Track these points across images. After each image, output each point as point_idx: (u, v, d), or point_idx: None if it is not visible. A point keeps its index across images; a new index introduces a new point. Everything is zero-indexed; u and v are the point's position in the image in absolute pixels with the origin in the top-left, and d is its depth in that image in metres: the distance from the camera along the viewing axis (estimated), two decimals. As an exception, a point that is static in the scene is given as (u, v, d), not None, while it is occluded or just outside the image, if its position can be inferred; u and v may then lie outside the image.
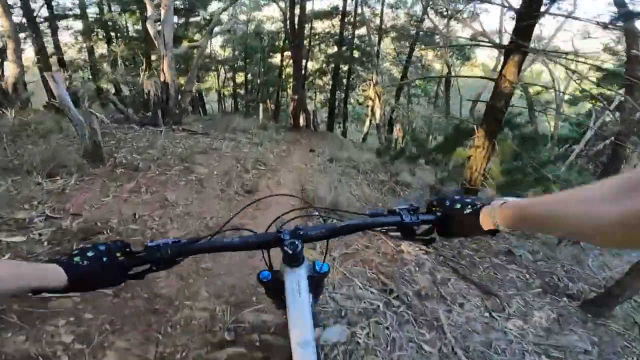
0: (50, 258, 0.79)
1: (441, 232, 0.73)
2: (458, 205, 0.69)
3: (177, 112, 6.81)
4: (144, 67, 8.88)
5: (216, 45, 21.52)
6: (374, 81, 11.93)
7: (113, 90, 11.02)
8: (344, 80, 16.08)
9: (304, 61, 13.38)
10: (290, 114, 12.16)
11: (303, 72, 12.55)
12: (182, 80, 13.45)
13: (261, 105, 11.41)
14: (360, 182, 5.48)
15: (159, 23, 6.48)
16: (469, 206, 0.67)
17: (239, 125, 9.11)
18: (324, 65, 16.68)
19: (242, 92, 20.20)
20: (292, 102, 12.04)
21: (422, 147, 5.15)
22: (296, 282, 0.71)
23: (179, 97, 6.88)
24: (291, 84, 13.09)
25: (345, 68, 15.56)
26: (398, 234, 0.76)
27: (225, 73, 21.06)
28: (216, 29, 14.32)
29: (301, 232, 0.72)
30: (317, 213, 0.92)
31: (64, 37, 14.13)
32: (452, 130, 4.40)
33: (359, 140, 14.64)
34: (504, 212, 0.58)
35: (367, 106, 12.07)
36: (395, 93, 12.90)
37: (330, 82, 16.17)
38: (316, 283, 0.82)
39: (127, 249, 0.67)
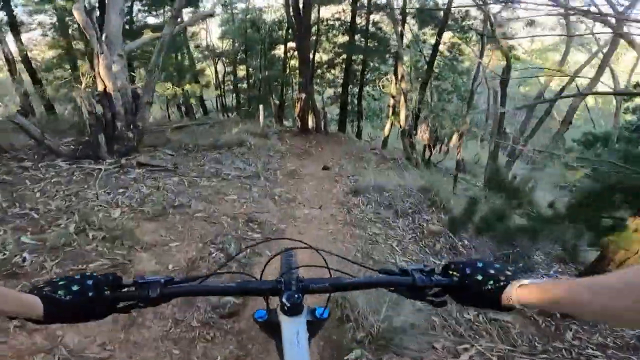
0: (33, 286, 0.63)
1: (455, 297, 0.68)
2: (479, 277, 0.63)
3: (132, 135, 4.88)
4: (83, 73, 6.79)
5: (215, 36, 19.67)
6: (400, 75, 9.90)
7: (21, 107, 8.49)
8: (357, 74, 14.09)
9: (310, 54, 11.43)
10: (297, 115, 10.33)
11: (310, 65, 10.58)
12: (165, 88, 11.00)
13: (261, 106, 9.51)
14: (403, 237, 3.66)
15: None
16: (491, 281, 0.62)
17: (233, 136, 7.31)
18: (334, 56, 14.64)
19: (245, 86, 18.35)
20: (298, 101, 10.18)
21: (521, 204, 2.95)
22: (295, 332, 0.65)
23: (135, 112, 4.90)
24: (297, 79, 11.15)
25: (359, 59, 13.55)
26: (408, 293, 0.69)
27: (225, 67, 19.22)
28: (192, 15, 12.29)
29: (302, 284, 0.68)
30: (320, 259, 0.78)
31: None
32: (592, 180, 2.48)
33: (375, 141, 12.71)
34: (522, 295, 0.58)
35: (389, 106, 10.15)
36: (420, 87, 10.83)
37: (342, 76, 14.17)
38: (314, 329, 0.75)
39: (117, 283, 0.63)
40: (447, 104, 10.86)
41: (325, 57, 14.99)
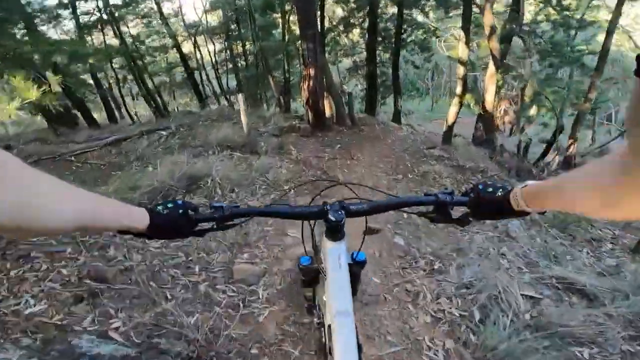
0: (139, 203, 0.79)
1: (475, 214, 0.74)
2: (490, 189, 0.70)
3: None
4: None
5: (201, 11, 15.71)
6: (487, 27, 5.91)
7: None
8: (386, 33, 10.10)
9: (317, 7, 7.60)
10: (305, 103, 6.66)
11: (315, 24, 6.74)
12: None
13: (239, 96, 5.58)
14: None
15: None
16: (500, 189, 0.69)
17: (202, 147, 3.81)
18: (348, 14, 10.59)
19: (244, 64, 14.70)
20: (305, 80, 6.48)
21: None
22: (337, 255, 0.75)
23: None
24: (301, 50, 7.33)
25: (391, 11, 9.53)
26: (434, 215, 0.77)
27: (214, 44, 15.52)
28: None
29: (344, 206, 0.76)
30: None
31: None
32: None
33: (424, 131, 8.84)
34: (526, 193, 0.62)
35: (459, 78, 6.28)
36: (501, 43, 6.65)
37: (363, 40, 10.23)
38: (353, 272, 0.83)
39: (197, 208, 0.73)
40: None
41: (338, 12, 10.98)
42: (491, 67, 6.18)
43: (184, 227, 0.70)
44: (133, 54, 11.05)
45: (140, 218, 0.63)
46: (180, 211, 0.69)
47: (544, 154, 7.56)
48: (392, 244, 2.75)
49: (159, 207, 0.68)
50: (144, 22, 13.44)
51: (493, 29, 6.02)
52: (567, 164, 6.77)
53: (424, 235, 2.94)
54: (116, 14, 10.54)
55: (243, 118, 4.91)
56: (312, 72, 6.19)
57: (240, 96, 5.20)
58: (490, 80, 6.19)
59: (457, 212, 0.76)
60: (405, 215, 3.20)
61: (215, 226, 0.73)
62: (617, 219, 0.58)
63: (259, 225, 2.78)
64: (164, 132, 5.78)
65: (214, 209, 0.73)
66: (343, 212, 0.74)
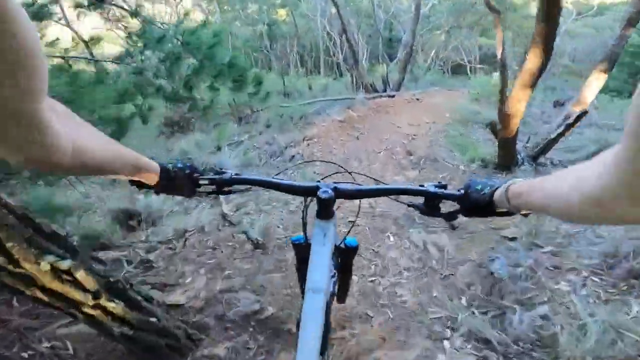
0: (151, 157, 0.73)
1: (463, 210, 0.73)
2: (479, 187, 0.69)
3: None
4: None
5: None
6: None
7: None
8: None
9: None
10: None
11: None
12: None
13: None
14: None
15: None
16: (488, 187, 0.67)
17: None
18: None
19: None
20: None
21: None
22: (323, 232, 0.76)
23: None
24: None
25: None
26: (423, 207, 0.77)
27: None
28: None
29: (336, 187, 0.78)
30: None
31: None
32: None
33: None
34: (510, 191, 0.59)
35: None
36: None
37: None
38: (344, 257, 0.91)
39: (201, 171, 0.79)
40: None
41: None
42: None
43: (187, 187, 0.76)
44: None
45: (152, 171, 0.68)
46: (187, 172, 0.75)
47: None
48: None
49: (170, 164, 0.73)
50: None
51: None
52: None
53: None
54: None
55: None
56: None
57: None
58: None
59: (449, 206, 0.76)
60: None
61: (216, 190, 0.79)
62: (595, 222, 0.50)
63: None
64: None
65: (217, 173, 0.79)
66: (333, 191, 0.76)
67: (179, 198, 2.60)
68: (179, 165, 0.75)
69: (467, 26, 14.70)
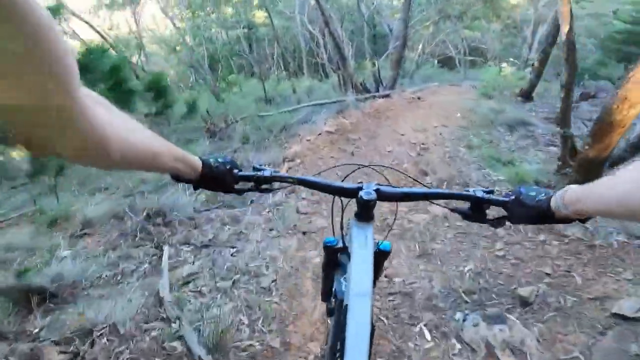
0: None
1: (512, 217, 0.70)
2: (533, 193, 0.67)
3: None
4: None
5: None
6: None
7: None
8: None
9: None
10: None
11: None
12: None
13: None
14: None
15: None
16: (542, 194, 0.66)
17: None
18: None
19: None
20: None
21: None
22: (364, 235, 0.73)
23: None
24: None
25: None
26: (468, 212, 0.74)
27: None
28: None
29: (379, 188, 0.75)
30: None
31: None
32: None
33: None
34: (567, 197, 0.58)
35: None
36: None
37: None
38: (377, 262, 0.83)
39: (241, 168, 0.78)
40: None
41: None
42: None
43: (227, 183, 0.75)
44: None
45: (194, 165, 0.68)
46: (228, 166, 0.74)
47: None
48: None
49: (212, 159, 0.73)
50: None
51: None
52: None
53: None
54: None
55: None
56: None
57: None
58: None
59: (494, 212, 0.73)
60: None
61: (254, 187, 0.78)
62: None
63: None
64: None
65: (256, 170, 0.78)
66: (375, 193, 0.74)
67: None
68: (220, 159, 0.74)
69: (455, 16, 13.75)
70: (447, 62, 17.99)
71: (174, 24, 15.20)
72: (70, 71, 0.31)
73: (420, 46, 16.26)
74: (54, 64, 0.29)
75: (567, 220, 0.62)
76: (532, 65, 5.99)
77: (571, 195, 0.57)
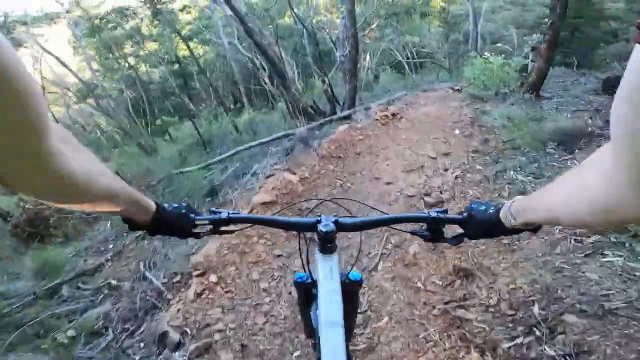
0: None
1: (468, 233, 0.73)
2: (483, 207, 0.70)
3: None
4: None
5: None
6: None
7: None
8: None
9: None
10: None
11: None
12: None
13: None
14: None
15: None
16: (492, 207, 0.69)
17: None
18: None
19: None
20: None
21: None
22: (329, 267, 0.74)
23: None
24: None
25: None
26: (427, 234, 0.76)
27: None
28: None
29: (337, 220, 0.76)
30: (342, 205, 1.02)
31: None
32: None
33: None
34: (514, 208, 0.59)
35: None
36: None
37: None
38: (349, 292, 0.83)
39: (198, 212, 0.77)
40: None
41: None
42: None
43: (184, 227, 0.73)
44: None
45: (147, 209, 0.65)
46: (183, 211, 0.73)
47: None
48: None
49: (166, 204, 0.71)
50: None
51: None
52: None
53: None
54: None
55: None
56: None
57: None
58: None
59: (452, 231, 0.74)
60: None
61: (212, 230, 0.77)
62: (607, 227, 0.53)
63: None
64: None
65: (213, 213, 0.77)
66: (334, 225, 0.75)
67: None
68: (175, 205, 0.73)
69: (393, 17, 12.64)
70: (396, 68, 16.99)
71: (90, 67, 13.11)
72: (40, 112, 0.31)
73: (368, 55, 15.11)
74: (25, 107, 0.29)
75: (517, 231, 0.63)
76: (533, 49, 4.55)
77: (518, 206, 0.59)
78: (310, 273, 0.85)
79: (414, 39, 17.44)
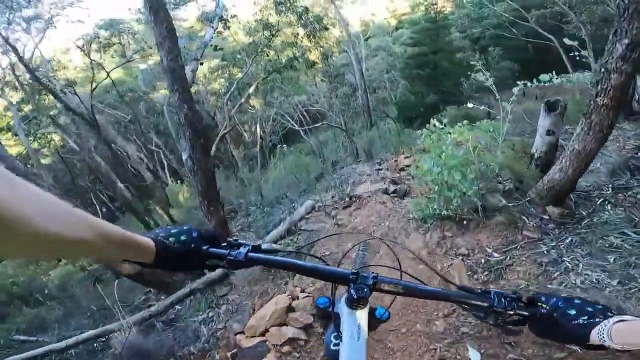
0: (149, 231, 0.67)
1: (535, 329, 0.61)
2: (572, 311, 0.57)
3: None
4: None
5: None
6: None
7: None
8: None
9: None
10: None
11: None
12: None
13: None
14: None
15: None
16: (585, 317, 0.55)
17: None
18: None
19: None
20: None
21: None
22: (356, 325, 0.67)
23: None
24: None
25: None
26: (482, 314, 0.64)
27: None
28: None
29: (375, 280, 0.66)
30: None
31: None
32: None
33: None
34: (614, 330, 0.52)
35: None
36: None
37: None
38: (371, 328, 0.75)
39: (215, 240, 0.69)
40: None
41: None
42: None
43: (192, 264, 0.66)
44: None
45: (146, 251, 0.60)
46: (193, 245, 0.65)
47: None
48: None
49: (171, 239, 0.64)
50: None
51: None
52: None
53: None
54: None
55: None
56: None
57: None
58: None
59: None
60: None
61: (227, 266, 0.68)
62: None
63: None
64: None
65: (230, 246, 0.68)
66: (369, 289, 0.63)
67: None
68: (182, 238, 0.65)
69: (283, 77, 10.74)
70: (290, 136, 15.39)
71: None
72: None
73: (259, 126, 13.13)
74: None
75: (602, 348, 0.53)
76: (585, 113, 2.05)
77: (621, 328, 0.51)
78: (333, 303, 0.77)
79: (301, 97, 16.19)
